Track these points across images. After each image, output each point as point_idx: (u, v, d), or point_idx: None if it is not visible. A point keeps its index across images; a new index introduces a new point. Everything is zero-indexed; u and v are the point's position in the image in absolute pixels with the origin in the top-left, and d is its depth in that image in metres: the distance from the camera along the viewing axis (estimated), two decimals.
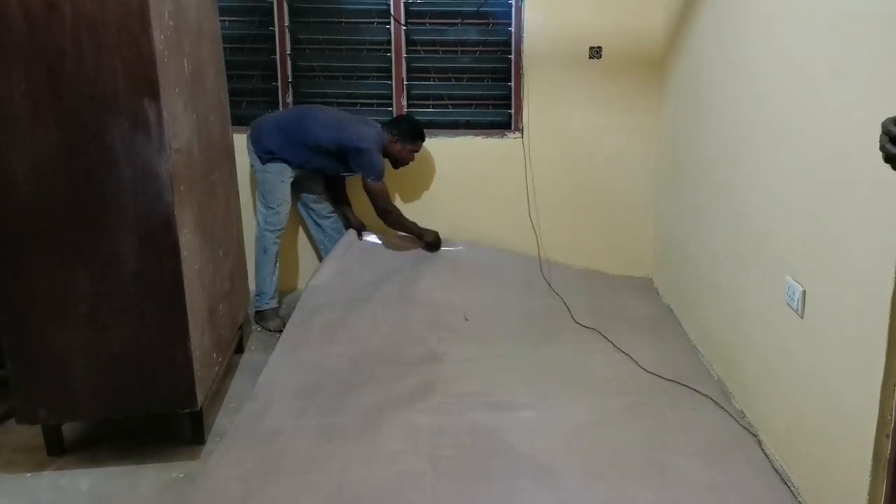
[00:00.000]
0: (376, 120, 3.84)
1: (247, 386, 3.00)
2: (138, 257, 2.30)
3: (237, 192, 3.30)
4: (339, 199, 4.04)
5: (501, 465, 2.45)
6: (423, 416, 2.76)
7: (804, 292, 2.17)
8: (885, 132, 1.22)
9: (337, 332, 3.46)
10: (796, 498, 2.22)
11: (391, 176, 3.92)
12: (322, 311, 3.60)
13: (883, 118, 1.72)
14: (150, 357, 2.38)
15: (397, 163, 3.85)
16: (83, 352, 2.34)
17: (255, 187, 3.68)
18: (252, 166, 3.71)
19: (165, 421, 2.65)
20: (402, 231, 3.92)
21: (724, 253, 2.92)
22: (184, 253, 2.34)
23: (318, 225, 3.98)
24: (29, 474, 2.43)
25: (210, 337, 2.62)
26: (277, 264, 3.74)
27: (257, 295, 3.68)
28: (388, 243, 4.04)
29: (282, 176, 3.66)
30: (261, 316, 3.66)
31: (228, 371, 3.11)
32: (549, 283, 4.02)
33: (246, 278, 3.40)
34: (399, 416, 2.75)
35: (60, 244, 2.26)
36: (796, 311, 2.22)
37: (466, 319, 3.60)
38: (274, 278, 3.71)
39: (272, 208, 3.65)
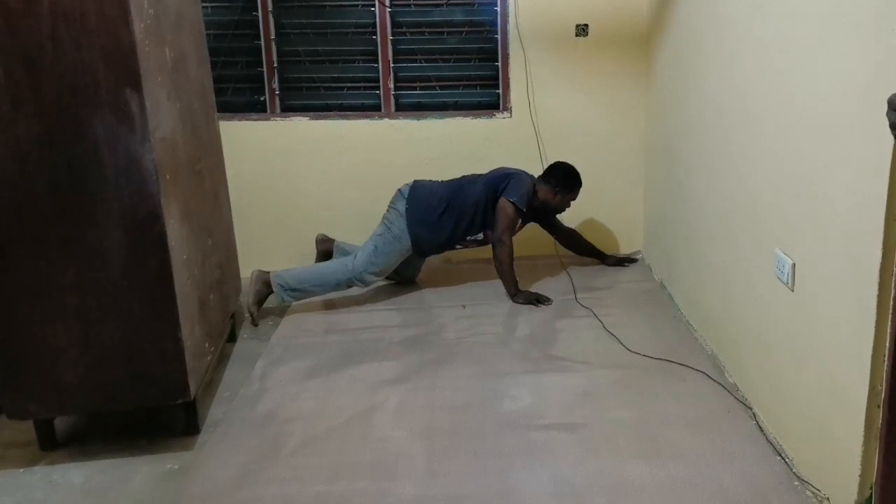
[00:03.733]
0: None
1: (240, 375, 3.00)
2: (125, 249, 2.28)
3: (225, 180, 3.27)
4: None
5: (496, 442, 2.46)
6: (418, 394, 2.78)
7: (794, 265, 2.17)
8: (894, 108, 1.16)
9: (332, 322, 3.50)
10: (791, 469, 2.22)
11: (372, 156, 3.96)
12: (315, 311, 3.64)
13: (869, 91, 1.73)
14: (141, 349, 2.36)
15: (556, 211, 3.83)
16: (72, 345, 2.32)
17: (375, 239, 3.64)
18: (389, 222, 3.63)
19: (159, 412, 2.64)
20: (501, 276, 3.67)
21: (714, 228, 2.92)
22: (171, 243, 2.32)
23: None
24: (21, 469, 2.41)
25: (201, 327, 2.61)
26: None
27: (288, 289, 3.55)
28: None
29: (406, 254, 3.66)
30: (261, 306, 3.57)
31: (221, 360, 3.10)
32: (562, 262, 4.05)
33: (237, 267, 3.38)
34: (394, 396, 2.77)
35: (45, 238, 2.24)
36: (786, 284, 2.22)
37: (464, 307, 3.61)
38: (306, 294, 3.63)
39: (379, 271, 3.61)
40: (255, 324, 3.51)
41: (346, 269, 3.57)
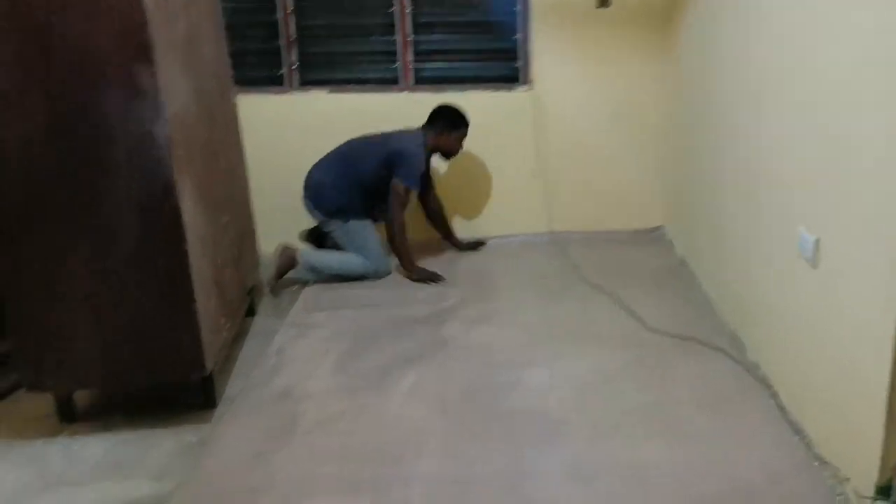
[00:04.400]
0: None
1: (258, 350, 3.01)
2: (139, 226, 2.28)
3: (242, 155, 3.27)
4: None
5: (510, 423, 2.44)
6: (432, 375, 2.76)
7: (817, 242, 2.12)
8: None
9: (348, 298, 3.49)
10: (811, 450, 2.19)
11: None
12: (332, 287, 3.64)
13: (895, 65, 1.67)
14: (156, 325, 2.37)
15: (449, 154, 3.79)
16: (87, 321, 2.34)
17: (345, 242, 3.69)
18: (331, 231, 3.69)
19: (177, 386, 2.66)
20: (394, 250, 3.68)
21: (737, 202, 2.86)
22: (185, 219, 2.31)
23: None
24: (41, 441, 2.45)
25: (217, 303, 2.61)
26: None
27: (312, 269, 3.65)
28: None
29: (367, 226, 3.68)
30: (280, 279, 3.65)
31: (240, 336, 3.11)
32: (557, 241, 4.01)
33: (255, 243, 3.39)
34: (408, 376, 2.76)
35: (60, 216, 2.25)
36: (809, 261, 2.17)
37: (480, 284, 3.59)
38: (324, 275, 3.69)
39: (379, 254, 3.67)
40: (273, 294, 3.58)
41: (365, 265, 3.64)
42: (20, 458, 2.37)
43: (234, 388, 2.73)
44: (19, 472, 2.31)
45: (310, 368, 2.83)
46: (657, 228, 4.14)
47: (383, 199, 3.62)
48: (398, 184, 3.56)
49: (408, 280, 3.66)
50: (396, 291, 3.55)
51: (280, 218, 3.99)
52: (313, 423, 2.48)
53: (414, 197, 3.73)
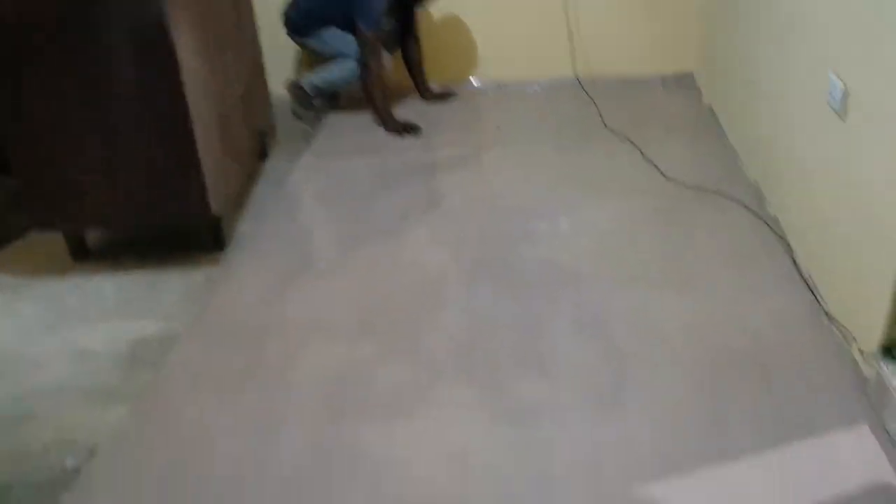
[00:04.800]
0: None
1: (271, 193, 2.99)
2: (135, 65, 2.20)
3: None
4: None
5: (526, 269, 2.43)
6: (448, 221, 2.75)
7: (845, 91, 1.98)
8: None
9: (364, 143, 3.42)
10: (822, 307, 2.15)
11: None
12: (347, 131, 3.55)
13: None
14: (160, 167, 2.34)
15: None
16: (92, 161, 2.32)
17: (330, 51, 3.52)
18: (308, 46, 3.57)
19: (187, 228, 2.66)
20: (368, 101, 3.52)
21: (767, 46, 2.68)
22: (182, 59, 2.22)
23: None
24: (56, 280, 2.49)
25: (222, 145, 2.56)
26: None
27: (314, 89, 3.53)
28: None
29: (338, 31, 3.46)
30: (301, 96, 3.54)
31: (252, 179, 3.08)
32: (582, 86, 3.84)
33: (265, 83, 3.28)
34: (423, 223, 2.74)
35: (54, 58, 2.18)
36: (837, 112, 2.03)
37: (498, 128, 3.48)
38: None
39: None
40: (314, 115, 3.57)
41: (353, 60, 3.46)
42: (36, 294, 2.43)
43: (245, 230, 2.73)
44: (35, 307, 2.37)
45: (323, 213, 2.82)
46: (687, 75, 3.94)
47: (347, 28, 3.45)
48: (362, 28, 3.35)
49: (434, 124, 3.55)
50: (411, 140, 3.46)
51: (293, 57, 3.86)
52: (325, 268, 2.50)
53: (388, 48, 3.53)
